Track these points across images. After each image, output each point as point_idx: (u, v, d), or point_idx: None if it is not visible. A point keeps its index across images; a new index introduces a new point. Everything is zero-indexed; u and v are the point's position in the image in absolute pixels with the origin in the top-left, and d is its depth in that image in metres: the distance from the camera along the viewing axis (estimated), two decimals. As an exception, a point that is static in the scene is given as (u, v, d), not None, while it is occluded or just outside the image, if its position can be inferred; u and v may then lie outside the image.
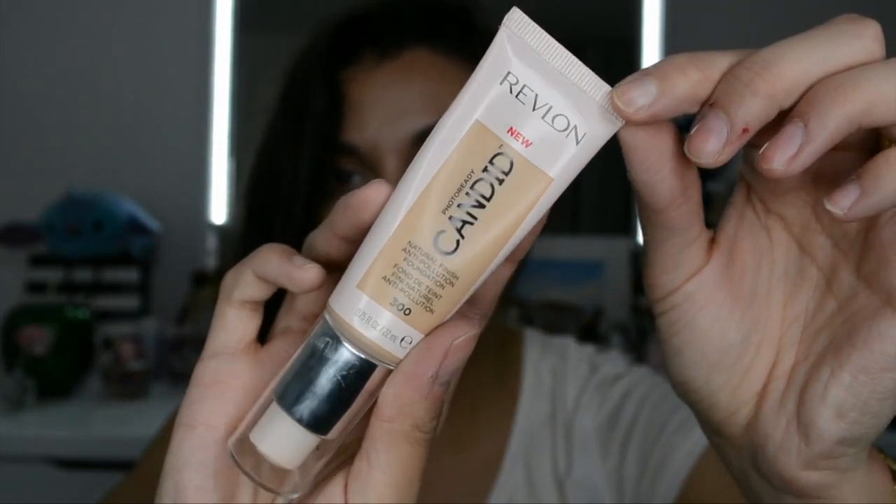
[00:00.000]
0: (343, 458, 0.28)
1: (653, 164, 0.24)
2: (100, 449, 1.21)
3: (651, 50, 1.86)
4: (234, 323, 0.28)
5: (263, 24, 1.95)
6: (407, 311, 0.24)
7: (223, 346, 0.28)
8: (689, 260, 0.26)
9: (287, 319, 0.30)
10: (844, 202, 0.21)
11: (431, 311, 0.25)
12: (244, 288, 0.27)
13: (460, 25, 0.57)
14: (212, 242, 1.80)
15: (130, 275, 1.64)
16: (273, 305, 0.30)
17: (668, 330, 0.27)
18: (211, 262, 1.79)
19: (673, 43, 1.81)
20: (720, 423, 0.27)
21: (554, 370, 0.64)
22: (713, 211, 1.19)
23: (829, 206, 0.22)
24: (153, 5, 1.80)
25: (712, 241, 0.27)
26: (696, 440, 0.54)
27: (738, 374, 0.27)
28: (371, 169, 0.53)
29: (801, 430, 0.25)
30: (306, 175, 0.53)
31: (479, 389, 0.63)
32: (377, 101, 0.53)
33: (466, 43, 0.55)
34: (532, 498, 0.59)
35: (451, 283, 0.24)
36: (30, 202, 1.62)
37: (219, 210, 1.83)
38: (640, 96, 0.22)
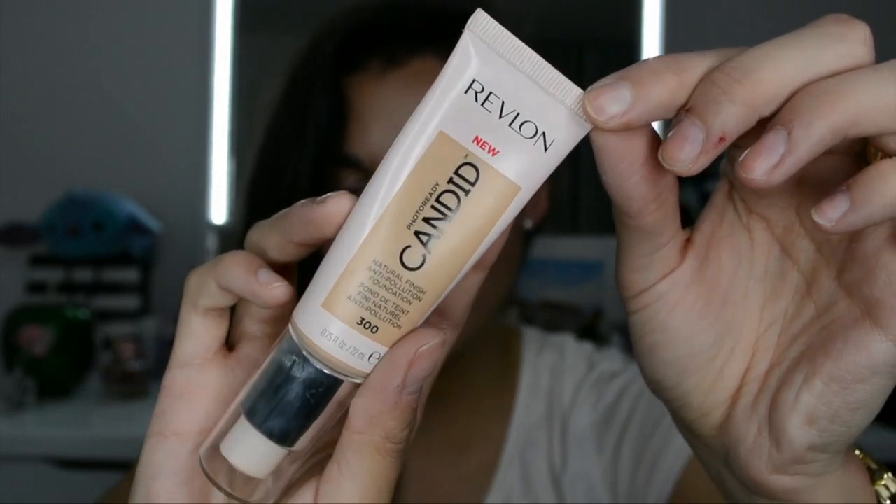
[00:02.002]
0: (317, 460, 0.28)
1: (625, 169, 0.23)
2: (100, 449, 1.21)
3: (651, 50, 1.86)
4: (200, 330, 0.28)
5: (263, 24, 1.95)
6: (374, 330, 0.24)
7: (191, 355, 0.28)
8: (660, 261, 0.25)
9: (247, 324, 0.29)
10: (832, 214, 0.21)
11: (399, 326, 0.24)
12: (208, 297, 0.27)
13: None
14: (212, 242, 1.80)
15: (130, 275, 1.64)
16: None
17: (640, 329, 0.26)
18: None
19: (673, 43, 1.81)
20: (692, 423, 0.27)
21: (552, 368, 0.64)
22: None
23: (816, 217, 0.21)
24: (153, 5, 1.80)
25: (688, 241, 0.26)
26: None
27: (711, 376, 0.26)
28: None
29: (772, 434, 0.25)
30: (307, 182, 0.53)
31: (478, 390, 0.63)
32: (382, 112, 0.52)
33: None
34: (528, 496, 0.59)
35: (419, 298, 0.24)
36: (30, 202, 1.62)
37: (219, 210, 1.83)
38: (612, 103, 0.21)
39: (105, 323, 1.57)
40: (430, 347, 0.24)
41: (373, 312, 0.24)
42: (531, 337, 0.67)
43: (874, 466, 0.28)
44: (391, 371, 0.24)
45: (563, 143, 0.23)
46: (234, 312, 0.30)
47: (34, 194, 1.63)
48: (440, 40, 0.54)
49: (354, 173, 0.52)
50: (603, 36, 1.97)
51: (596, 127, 0.22)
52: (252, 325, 0.29)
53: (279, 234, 0.26)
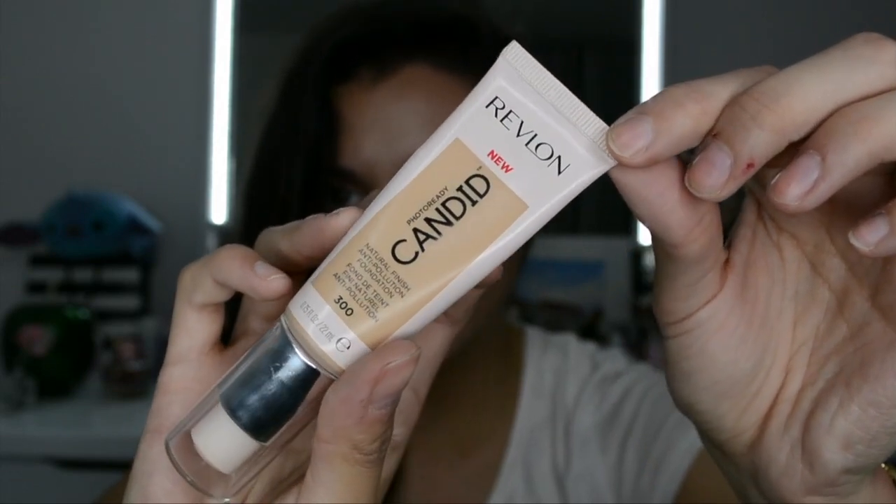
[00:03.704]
0: (303, 469, 0.27)
1: (655, 199, 0.22)
2: (100, 449, 1.21)
3: (651, 51, 1.86)
4: (195, 326, 0.27)
5: (263, 24, 1.95)
6: (349, 312, 0.24)
7: (187, 351, 0.28)
8: (703, 289, 0.24)
9: (250, 320, 0.29)
10: (871, 238, 0.20)
11: (375, 317, 0.24)
12: (204, 292, 0.27)
13: (462, 39, 0.54)
14: (212, 242, 1.80)
15: (130, 275, 1.64)
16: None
17: (678, 354, 0.26)
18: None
19: (673, 43, 1.81)
20: (723, 443, 0.27)
21: (555, 368, 0.64)
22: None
23: (854, 241, 0.20)
24: (153, 5, 1.80)
25: (726, 263, 0.25)
26: (695, 437, 0.54)
27: (747, 399, 0.26)
28: (368, 190, 0.51)
29: (806, 457, 0.24)
30: (302, 192, 0.52)
31: (481, 389, 0.63)
32: (374, 123, 0.51)
33: (470, 56, 0.53)
34: (531, 497, 0.59)
35: (401, 294, 0.24)
36: (30, 202, 1.62)
37: (219, 210, 1.83)
38: (636, 138, 0.21)
39: (105, 323, 1.57)
40: (399, 364, 0.23)
41: (352, 294, 0.24)
42: (534, 337, 0.67)
43: None
44: (357, 384, 0.23)
45: (579, 170, 0.23)
46: (236, 309, 0.30)
47: (34, 194, 1.63)
48: (430, 48, 0.53)
49: (348, 183, 0.52)
50: (603, 36, 1.97)
51: (622, 164, 0.21)
52: (255, 322, 0.29)
53: (289, 244, 0.26)
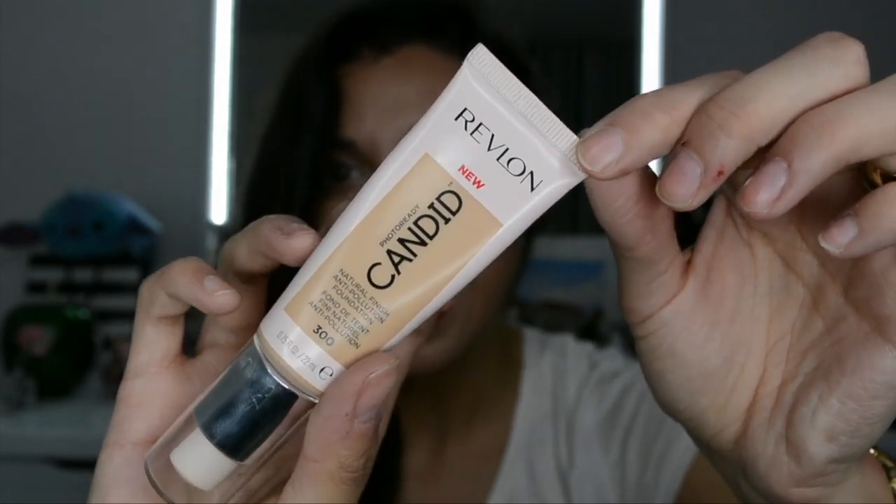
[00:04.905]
0: (281, 476, 0.28)
1: (618, 209, 0.23)
2: (99, 449, 1.21)
3: (651, 51, 1.86)
4: (154, 339, 0.27)
5: (263, 24, 1.95)
6: (330, 342, 0.23)
7: (146, 364, 0.28)
8: (661, 287, 0.25)
9: (213, 332, 0.29)
10: (841, 239, 0.20)
11: (357, 344, 0.23)
12: (160, 305, 0.27)
13: (460, 23, 0.56)
14: (212, 242, 1.80)
15: (130, 275, 1.64)
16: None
17: (650, 354, 0.26)
18: (211, 262, 1.78)
19: (673, 43, 1.81)
20: (709, 440, 0.27)
21: (554, 367, 0.65)
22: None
23: (824, 243, 0.21)
24: (153, 5, 1.80)
25: (688, 264, 0.26)
26: None
27: (724, 395, 0.26)
28: (369, 164, 0.52)
29: (791, 450, 0.25)
30: (304, 172, 0.53)
31: (480, 387, 0.63)
32: (375, 97, 0.53)
33: (467, 40, 0.55)
34: (534, 492, 0.60)
35: (381, 320, 0.23)
36: (30, 202, 1.62)
37: (219, 210, 1.83)
38: (605, 152, 0.21)
39: (105, 323, 1.57)
40: (379, 375, 0.23)
41: (331, 323, 0.23)
42: (532, 337, 0.67)
43: (889, 464, 0.28)
44: (340, 398, 0.23)
45: (552, 186, 0.23)
46: (191, 320, 0.29)
47: (34, 194, 1.63)
48: (430, 30, 0.55)
49: (350, 156, 0.53)
50: (603, 36, 1.97)
51: (592, 177, 0.22)
52: (218, 334, 0.29)
53: (247, 246, 0.26)
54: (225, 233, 1.78)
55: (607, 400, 0.62)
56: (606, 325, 1.64)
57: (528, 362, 0.65)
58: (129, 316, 1.59)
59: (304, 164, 0.53)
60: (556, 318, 1.63)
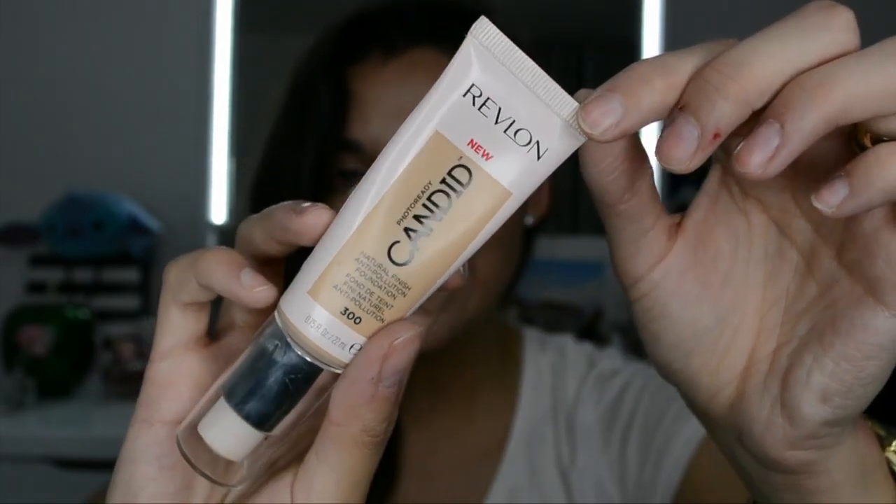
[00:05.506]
0: (298, 450, 0.28)
1: (606, 167, 0.24)
2: (100, 449, 1.21)
3: (651, 51, 1.86)
4: (180, 324, 0.28)
5: (263, 24, 1.95)
6: (357, 321, 0.24)
7: (172, 347, 0.28)
8: (648, 247, 0.26)
9: (234, 312, 0.29)
10: (832, 200, 0.21)
11: (381, 319, 0.25)
12: (188, 293, 0.27)
13: (468, 25, 0.56)
14: (212, 242, 1.80)
15: (130, 275, 1.64)
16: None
17: (644, 317, 0.27)
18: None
19: (673, 43, 1.81)
20: (704, 404, 0.28)
21: (553, 366, 0.65)
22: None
23: (816, 204, 0.21)
24: (153, 5, 1.80)
25: (679, 226, 0.27)
26: (695, 427, 0.55)
27: (717, 357, 0.27)
28: None
29: (786, 412, 0.25)
30: (310, 172, 0.54)
31: (480, 384, 0.64)
32: (382, 99, 0.54)
33: None
34: (535, 489, 0.60)
35: (403, 294, 0.25)
36: (30, 202, 1.62)
37: (219, 210, 1.83)
38: (605, 116, 0.22)
39: (105, 323, 1.57)
40: (405, 340, 0.24)
41: (357, 304, 0.24)
42: (532, 336, 0.68)
43: (882, 433, 0.28)
44: (366, 363, 0.24)
45: (557, 153, 0.24)
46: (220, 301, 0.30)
47: (34, 194, 1.63)
48: (438, 32, 0.56)
49: (356, 158, 0.53)
50: (603, 36, 1.97)
51: (593, 140, 0.23)
52: (238, 315, 0.29)
53: (263, 232, 0.26)
54: (225, 233, 1.78)
55: (606, 397, 0.62)
56: (606, 326, 1.64)
57: (527, 361, 0.65)
58: (129, 316, 1.60)
59: (309, 164, 0.54)
60: (556, 318, 1.63)
